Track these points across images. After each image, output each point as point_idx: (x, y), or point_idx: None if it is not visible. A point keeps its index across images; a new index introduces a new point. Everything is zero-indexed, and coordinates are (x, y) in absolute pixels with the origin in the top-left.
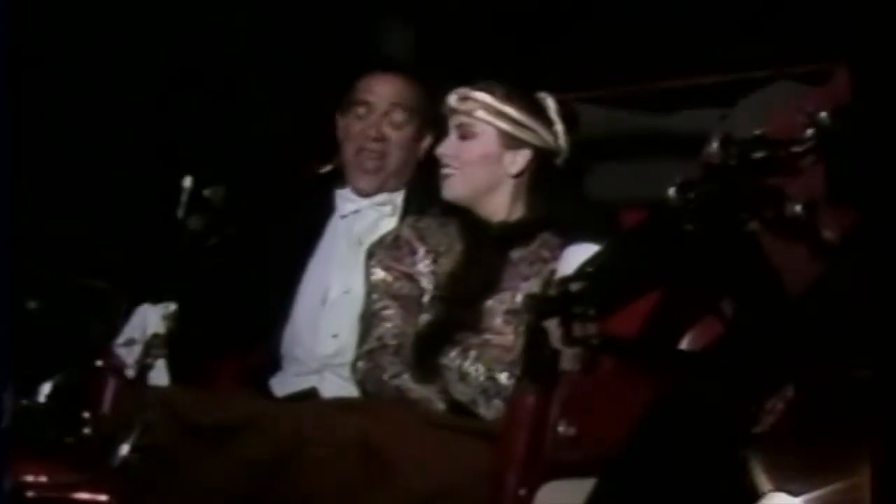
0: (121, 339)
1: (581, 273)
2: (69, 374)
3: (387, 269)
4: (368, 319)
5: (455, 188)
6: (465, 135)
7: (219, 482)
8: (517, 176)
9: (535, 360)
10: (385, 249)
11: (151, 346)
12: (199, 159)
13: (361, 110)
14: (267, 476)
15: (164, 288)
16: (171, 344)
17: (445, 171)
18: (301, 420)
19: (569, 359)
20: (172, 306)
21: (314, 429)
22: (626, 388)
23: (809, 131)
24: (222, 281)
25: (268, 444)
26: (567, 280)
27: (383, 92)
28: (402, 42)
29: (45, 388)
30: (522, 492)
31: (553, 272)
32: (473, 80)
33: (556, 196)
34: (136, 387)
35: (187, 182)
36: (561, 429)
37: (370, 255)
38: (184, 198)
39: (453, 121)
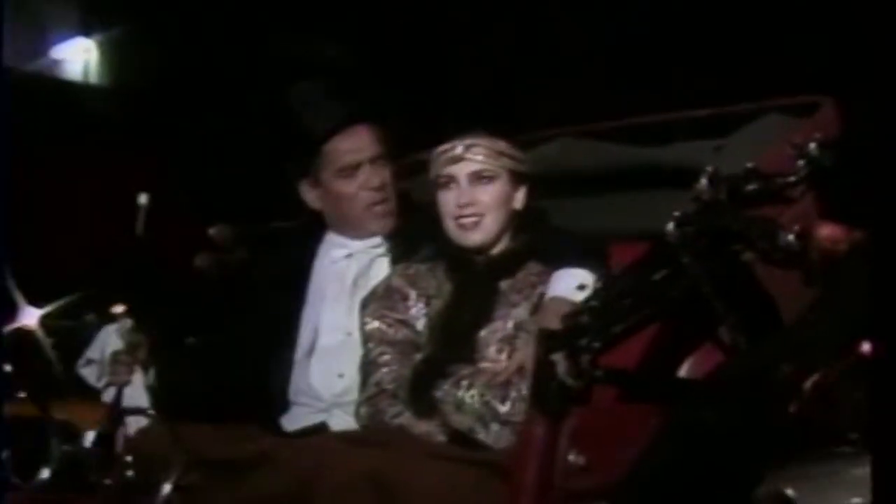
0: (81, 361)
1: (586, 307)
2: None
3: (381, 318)
4: (367, 367)
5: (483, 233)
6: (482, 180)
7: None
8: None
9: (544, 391)
10: (378, 300)
11: (115, 364)
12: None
13: (349, 172)
14: None
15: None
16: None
17: (465, 220)
18: (313, 454)
19: (576, 390)
20: (129, 321)
21: (326, 462)
22: (634, 417)
23: (800, 163)
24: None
25: (282, 479)
26: (573, 314)
27: (362, 146)
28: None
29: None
30: None
31: (542, 295)
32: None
33: (537, 226)
34: (113, 407)
35: (143, 199)
36: (571, 458)
37: (364, 306)
38: (141, 215)
39: (460, 168)
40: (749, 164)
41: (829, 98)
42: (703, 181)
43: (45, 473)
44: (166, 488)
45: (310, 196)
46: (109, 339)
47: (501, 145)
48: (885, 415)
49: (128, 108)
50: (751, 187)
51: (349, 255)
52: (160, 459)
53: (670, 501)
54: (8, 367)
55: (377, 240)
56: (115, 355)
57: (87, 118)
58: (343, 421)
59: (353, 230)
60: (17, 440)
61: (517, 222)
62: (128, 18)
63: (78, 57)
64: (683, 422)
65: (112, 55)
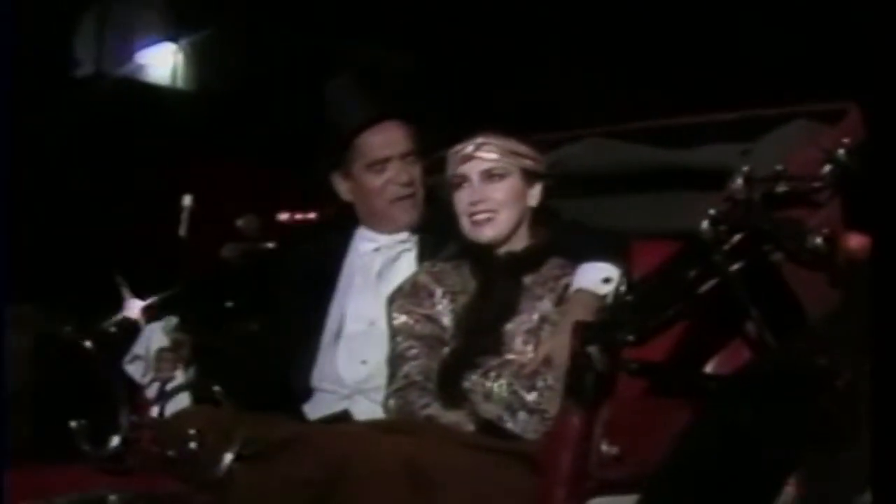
0: (128, 357)
1: (621, 301)
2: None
3: (408, 313)
4: (395, 361)
5: (496, 229)
6: (493, 178)
7: (271, 501)
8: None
9: (580, 383)
10: (404, 296)
11: (160, 360)
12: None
13: (378, 167)
14: (315, 496)
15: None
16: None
17: (478, 216)
18: (346, 441)
19: (610, 382)
20: (174, 320)
21: (360, 450)
22: (666, 409)
23: (827, 167)
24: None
25: (315, 465)
26: (609, 308)
27: (392, 141)
28: (383, 88)
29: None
30: None
31: (566, 287)
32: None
33: (560, 222)
34: (159, 402)
35: (187, 200)
36: (604, 448)
37: (391, 301)
38: (184, 216)
39: (471, 167)
40: (779, 167)
41: (856, 104)
42: (739, 181)
43: (115, 442)
44: (228, 459)
45: (342, 188)
46: (154, 337)
47: (513, 144)
48: (885, 415)
49: (213, 111)
50: (781, 189)
51: (377, 249)
52: (220, 434)
53: (701, 495)
54: None
55: (405, 235)
56: (161, 352)
57: (174, 122)
58: (365, 408)
59: (381, 224)
60: (89, 411)
61: (534, 219)
62: (214, 22)
63: (165, 61)
64: (716, 417)
65: (198, 59)
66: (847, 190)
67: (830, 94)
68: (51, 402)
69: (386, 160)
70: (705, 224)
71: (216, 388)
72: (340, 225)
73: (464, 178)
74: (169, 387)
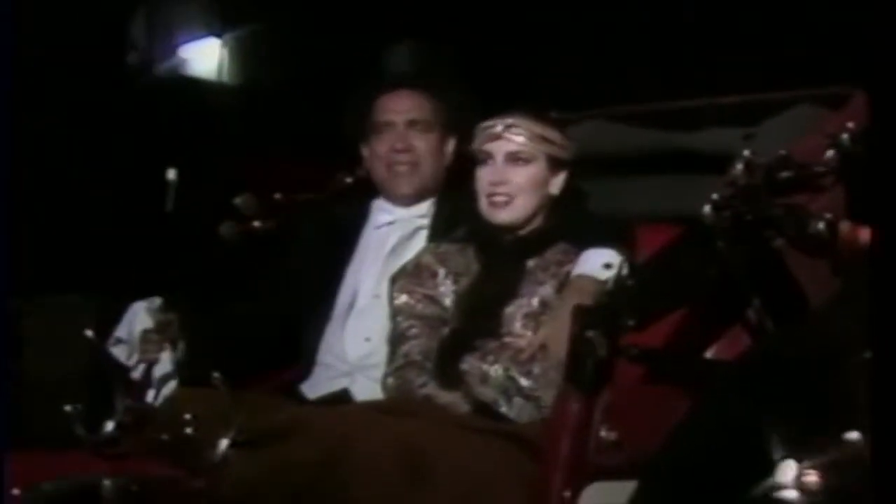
0: (111, 340)
1: (622, 286)
2: None
3: (409, 293)
4: (395, 340)
5: (512, 213)
6: (517, 161)
7: (266, 485)
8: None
9: (579, 367)
10: (407, 276)
11: (145, 342)
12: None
13: (384, 129)
14: (312, 477)
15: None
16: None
17: (497, 198)
18: (342, 423)
19: (610, 367)
20: (157, 300)
21: (356, 431)
22: (665, 394)
23: (831, 153)
24: (255, 288)
25: (312, 448)
26: (610, 293)
27: (401, 108)
28: (409, 57)
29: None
30: (567, 493)
31: (568, 274)
32: (494, 103)
33: (569, 208)
34: (143, 384)
35: (171, 175)
36: (603, 433)
37: (393, 281)
38: (170, 191)
39: (497, 147)
40: (782, 152)
41: (860, 89)
42: (740, 166)
43: (110, 427)
44: (223, 444)
45: (365, 156)
46: (138, 318)
47: (542, 129)
48: (885, 415)
49: (257, 106)
50: (784, 175)
51: (392, 223)
52: (216, 418)
53: (699, 481)
54: None
55: (422, 209)
56: (146, 333)
57: (218, 117)
58: (365, 387)
59: (387, 193)
60: (84, 395)
61: (552, 206)
62: (257, 17)
63: (208, 56)
64: (715, 403)
65: (242, 53)
66: (850, 175)
67: (835, 79)
68: (48, 387)
69: (389, 124)
70: (707, 209)
71: (216, 374)
72: (358, 195)
73: (489, 156)
74: (158, 370)
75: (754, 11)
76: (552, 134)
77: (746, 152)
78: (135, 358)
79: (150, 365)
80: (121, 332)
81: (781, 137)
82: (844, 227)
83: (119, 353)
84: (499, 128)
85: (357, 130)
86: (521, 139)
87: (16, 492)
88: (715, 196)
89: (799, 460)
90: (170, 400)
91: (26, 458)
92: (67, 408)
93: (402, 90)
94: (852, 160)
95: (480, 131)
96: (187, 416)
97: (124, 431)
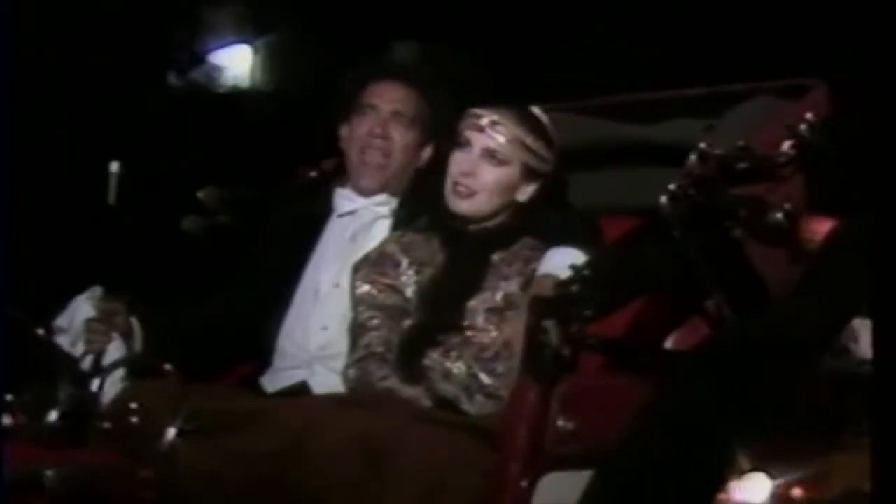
0: (52, 329)
1: (579, 276)
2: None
3: (371, 282)
4: (356, 330)
5: (472, 205)
6: (492, 159)
7: (223, 475)
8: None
9: (536, 358)
10: (370, 265)
11: (90, 332)
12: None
13: (367, 112)
14: (272, 469)
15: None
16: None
17: (462, 188)
18: (303, 415)
19: (567, 357)
20: (98, 290)
21: (316, 423)
22: (622, 385)
23: (790, 143)
24: (219, 281)
25: (272, 438)
26: (566, 283)
27: (389, 97)
28: (410, 54)
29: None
30: (524, 483)
31: (534, 271)
32: (477, 98)
33: (535, 203)
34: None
35: (114, 167)
36: (560, 423)
37: (355, 270)
38: (112, 182)
39: (477, 138)
40: (740, 143)
41: (820, 81)
42: (693, 158)
43: (53, 416)
44: (170, 434)
45: (342, 135)
46: (80, 308)
47: (526, 134)
48: (885, 414)
49: (288, 113)
50: (741, 165)
51: (353, 212)
52: (164, 408)
53: (657, 470)
54: None
55: (382, 198)
56: (90, 323)
57: (249, 124)
58: (323, 378)
59: (353, 180)
60: (27, 384)
61: (517, 209)
62: (287, 23)
63: (238, 63)
64: (674, 392)
65: (272, 60)
66: (809, 165)
67: (796, 71)
68: None
69: (373, 108)
70: (664, 199)
71: (167, 366)
72: (323, 184)
73: (467, 143)
74: (107, 360)
75: (717, 4)
76: (535, 143)
77: (702, 144)
78: (80, 348)
79: (98, 354)
80: (62, 321)
81: (741, 128)
82: (809, 221)
83: (61, 342)
84: (484, 120)
85: (342, 109)
86: (501, 139)
87: None
88: (672, 186)
89: (771, 476)
90: (119, 390)
91: None
92: (8, 397)
93: (396, 81)
94: (811, 151)
95: (468, 116)
96: (133, 406)
97: (67, 421)
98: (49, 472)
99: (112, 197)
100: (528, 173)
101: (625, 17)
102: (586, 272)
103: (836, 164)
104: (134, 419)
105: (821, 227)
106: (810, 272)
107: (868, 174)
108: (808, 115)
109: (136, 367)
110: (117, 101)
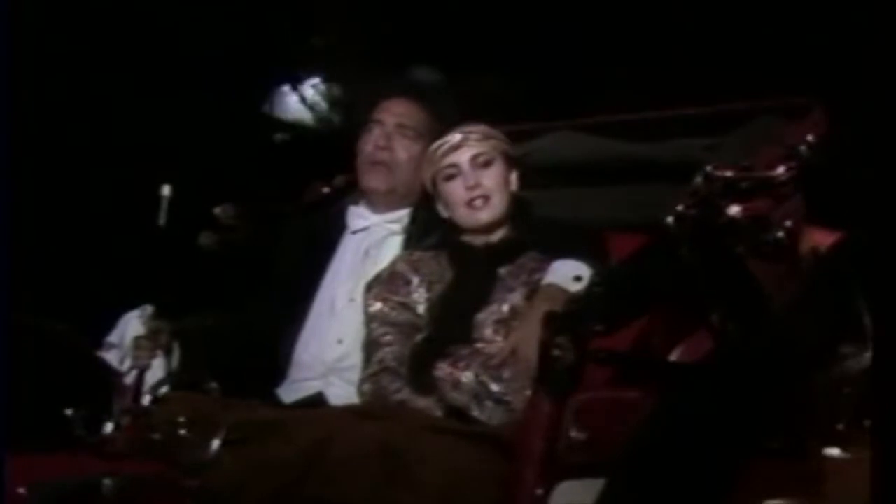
0: (104, 346)
1: (590, 293)
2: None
3: (383, 300)
4: (370, 347)
5: (492, 211)
6: (483, 164)
7: (245, 483)
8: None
9: (550, 371)
10: (381, 284)
11: (137, 349)
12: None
13: (374, 127)
14: (294, 478)
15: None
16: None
17: (476, 201)
18: (323, 424)
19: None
20: (149, 308)
21: (336, 432)
22: (632, 396)
23: (790, 163)
24: (237, 297)
25: (295, 448)
26: (578, 298)
27: (394, 111)
28: (423, 74)
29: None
30: (539, 491)
31: (539, 282)
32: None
33: (540, 217)
34: (135, 389)
35: (165, 191)
36: (573, 434)
37: (368, 289)
38: (163, 205)
39: (461, 155)
40: (743, 163)
41: (820, 100)
42: (699, 178)
43: (108, 429)
44: (216, 444)
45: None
46: (130, 325)
47: (490, 130)
48: (885, 414)
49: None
50: (744, 184)
51: (366, 228)
52: (208, 420)
53: (662, 480)
54: None
55: (396, 216)
56: (137, 340)
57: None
58: (339, 389)
59: (364, 194)
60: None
61: (515, 206)
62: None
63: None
64: (677, 404)
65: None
66: (810, 184)
67: (797, 90)
68: (46, 392)
69: (379, 122)
70: (670, 219)
71: (213, 384)
72: (338, 201)
73: (455, 167)
74: (150, 376)
75: (719, 24)
76: (500, 134)
77: (709, 167)
78: (127, 363)
79: (143, 370)
80: (113, 337)
81: (743, 148)
82: (811, 234)
83: (111, 358)
84: (458, 137)
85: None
86: (480, 143)
87: (21, 490)
88: (679, 207)
89: None
90: (163, 403)
91: (28, 460)
92: (68, 411)
93: (402, 97)
94: (811, 169)
95: (436, 150)
96: (181, 419)
97: (121, 433)
98: (106, 481)
99: (162, 218)
100: (509, 161)
101: (625, 37)
102: (597, 288)
103: (835, 183)
104: (181, 431)
105: (821, 242)
106: (810, 286)
107: (867, 192)
108: (809, 136)
109: (182, 383)
110: (169, 125)
